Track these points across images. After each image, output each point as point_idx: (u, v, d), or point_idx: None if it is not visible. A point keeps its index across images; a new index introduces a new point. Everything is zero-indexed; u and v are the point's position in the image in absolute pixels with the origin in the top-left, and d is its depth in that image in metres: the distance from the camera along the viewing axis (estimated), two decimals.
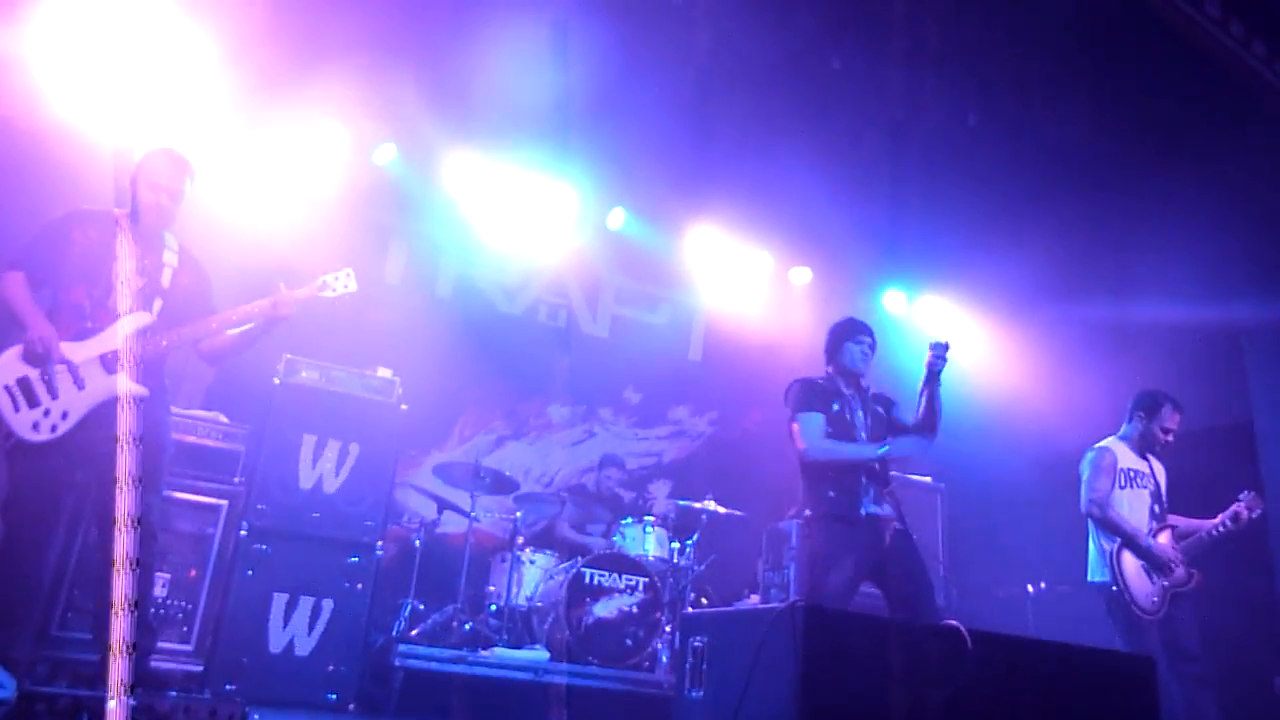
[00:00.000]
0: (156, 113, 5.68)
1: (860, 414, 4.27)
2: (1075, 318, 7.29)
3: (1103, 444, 4.90)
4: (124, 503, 2.06)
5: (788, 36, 5.69)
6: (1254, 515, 4.69)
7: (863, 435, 4.19)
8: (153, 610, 4.47)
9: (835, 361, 4.40)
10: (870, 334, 4.41)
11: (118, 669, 1.86)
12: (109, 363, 3.43)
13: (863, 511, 4.01)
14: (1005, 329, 7.96)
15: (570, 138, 6.42)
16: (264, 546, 4.80)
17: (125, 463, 2.18)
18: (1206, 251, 6.21)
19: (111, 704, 1.84)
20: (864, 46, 5.71)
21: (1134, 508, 4.72)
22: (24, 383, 3.30)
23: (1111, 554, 4.62)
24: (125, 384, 3.42)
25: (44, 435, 3.30)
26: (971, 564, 7.07)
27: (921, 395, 4.19)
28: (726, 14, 5.54)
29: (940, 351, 4.15)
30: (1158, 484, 4.85)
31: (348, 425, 5.17)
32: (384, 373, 5.45)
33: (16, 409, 3.27)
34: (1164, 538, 4.68)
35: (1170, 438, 4.84)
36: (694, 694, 2.99)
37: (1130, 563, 4.59)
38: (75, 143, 5.25)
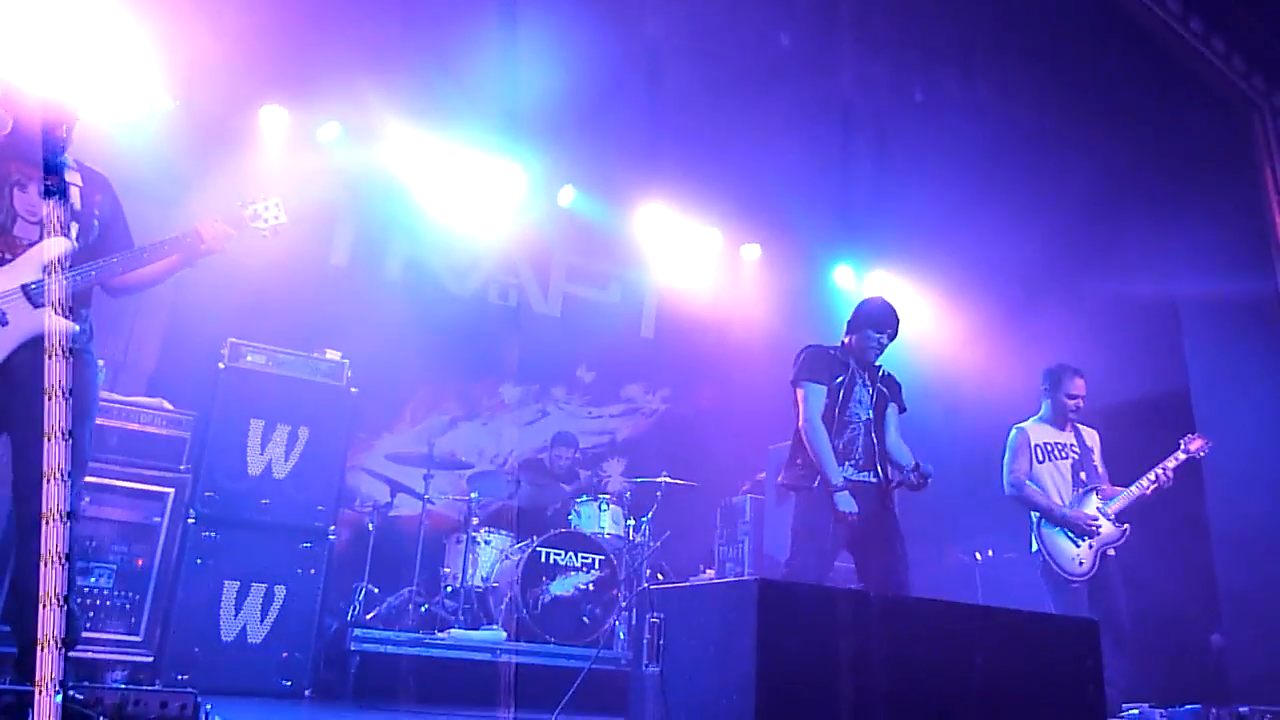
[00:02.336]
0: (91, 88, 5.51)
1: (862, 389, 4.32)
2: (1020, 291, 7.43)
3: (1018, 426, 5.13)
4: (53, 454, 1.93)
5: (738, 14, 5.68)
6: (1201, 455, 4.85)
7: (861, 413, 4.26)
8: (93, 601, 4.40)
9: (854, 338, 4.42)
10: (896, 325, 4.42)
11: (48, 663, 1.80)
12: (33, 295, 2.98)
13: (840, 480, 4.05)
14: (952, 303, 8.09)
15: (518, 115, 6.36)
16: (213, 534, 4.72)
17: (56, 414, 1.95)
18: (1147, 225, 6.37)
19: (42, 699, 1.77)
20: (814, 24, 5.73)
21: (1056, 479, 4.95)
22: None
23: (1034, 526, 4.92)
24: (57, 321, 2.94)
25: None
26: (921, 533, 7.19)
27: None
28: None
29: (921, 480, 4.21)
30: (1086, 450, 5.02)
31: (296, 409, 5.09)
32: (333, 355, 5.38)
33: None
34: (1091, 501, 4.87)
35: (1077, 403, 5.03)
36: (651, 669, 3.02)
37: (1051, 531, 4.84)
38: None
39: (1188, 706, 4.79)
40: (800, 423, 4.23)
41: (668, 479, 6.18)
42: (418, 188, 7.05)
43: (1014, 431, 5.11)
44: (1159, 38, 5.39)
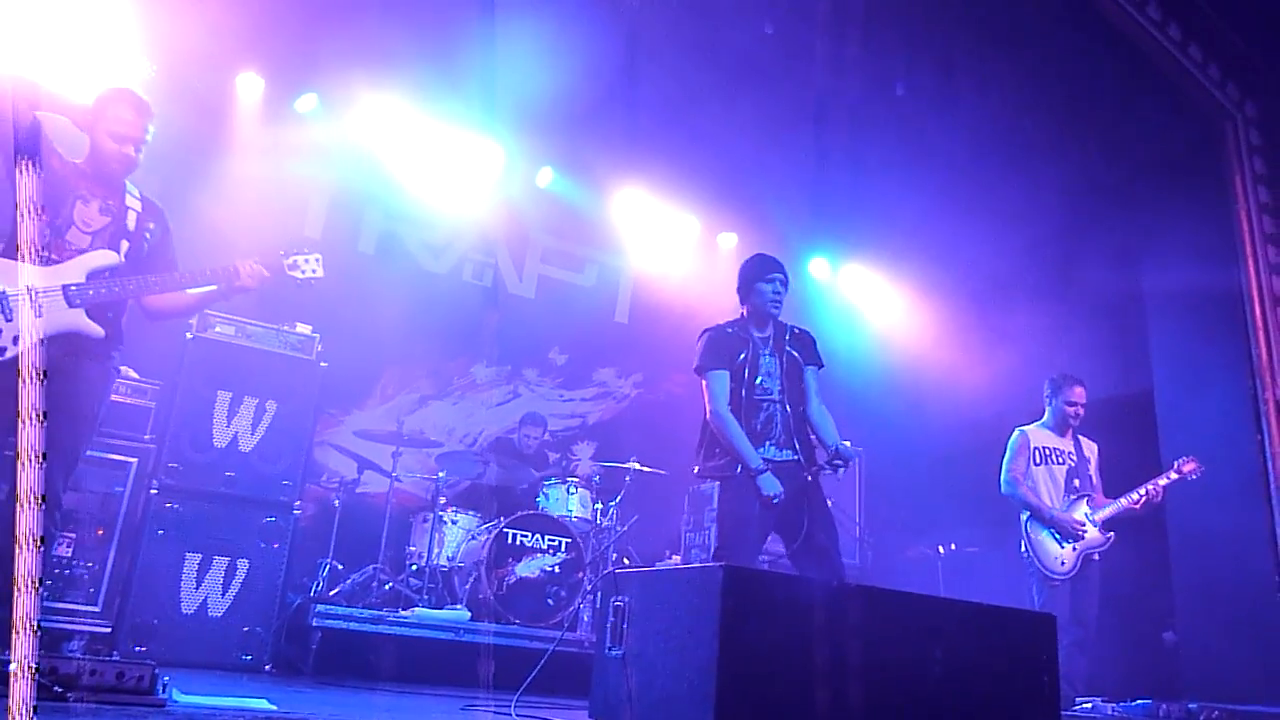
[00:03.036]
0: (68, 60, 5.41)
1: (769, 359, 4.15)
2: (992, 288, 7.51)
3: (1021, 428, 5.31)
4: (28, 436, 1.94)
5: (721, 3, 5.67)
6: (1193, 478, 5.01)
7: (773, 387, 4.09)
8: (52, 570, 4.35)
9: (748, 302, 4.28)
10: (781, 270, 4.29)
11: (22, 646, 1.79)
12: (70, 295, 3.24)
13: (759, 463, 3.91)
14: (925, 298, 8.16)
15: (499, 95, 6.31)
16: (176, 505, 4.68)
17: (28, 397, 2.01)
18: (1119, 225, 6.44)
19: (17, 686, 1.77)
20: (796, 16, 5.73)
21: (1048, 483, 5.15)
22: None
23: (1024, 525, 5.10)
24: (83, 320, 3.26)
25: None
26: (886, 525, 7.28)
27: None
28: None
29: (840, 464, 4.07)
30: (1082, 460, 5.20)
31: (264, 382, 5.05)
32: (303, 329, 5.32)
33: None
34: (1080, 507, 5.07)
35: (1077, 410, 5.21)
36: (614, 652, 3.03)
37: (1037, 530, 5.04)
38: None
39: (1139, 701, 4.91)
40: (707, 414, 4.08)
41: (637, 465, 6.19)
42: (394, 162, 6.99)
43: (1016, 433, 5.29)
44: (1138, 43, 5.44)
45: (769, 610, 2.64)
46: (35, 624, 1.84)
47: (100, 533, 4.52)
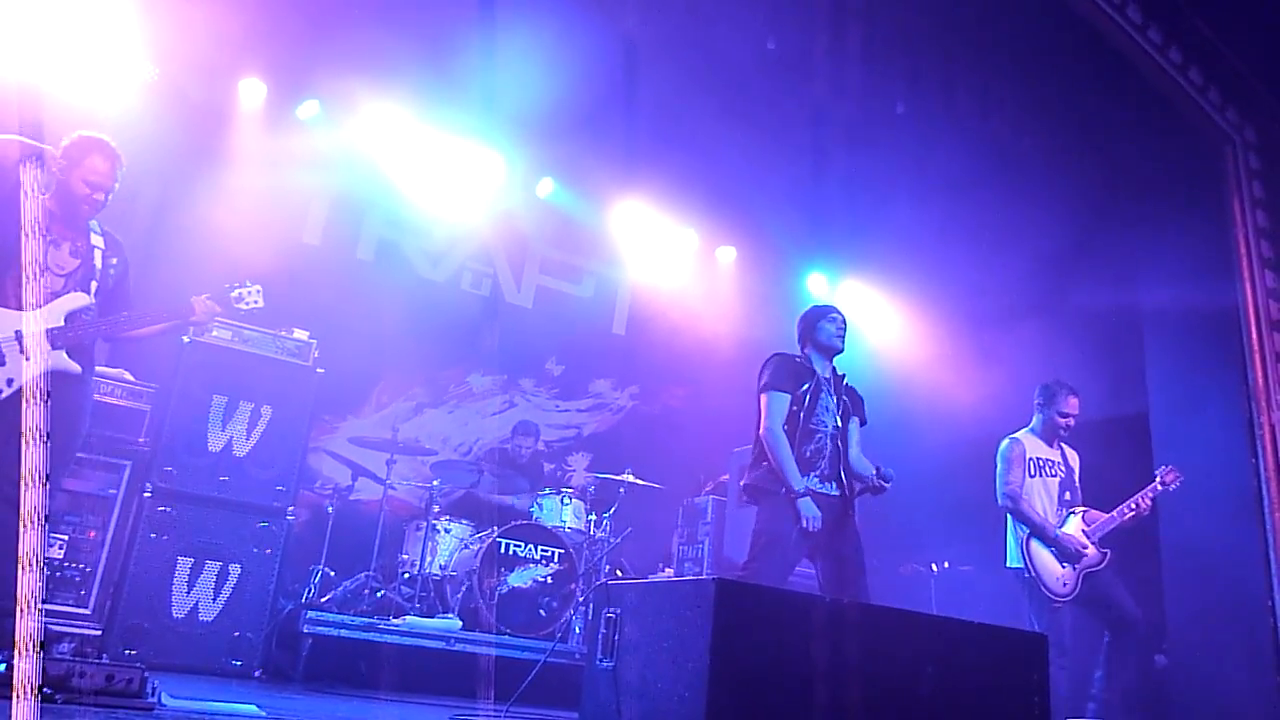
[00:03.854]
0: (71, 61, 5.44)
1: (829, 397, 4.32)
2: (988, 307, 7.52)
3: (1013, 435, 5.08)
4: (32, 457, 1.96)
5: (723, 18, 5.70)
6: (1172, 488, 4.88)
7: (829, 421, 4.26)
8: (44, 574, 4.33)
9: (812, 340, 4.44)
10: (840, 312, 4.50)
11: (25, 667, 1.81)
12: (53, 337, 3.56)
13: (802, 487, 4.06)
14: (921, 316, 8.17)
15: (501, 105, 6.34)
16: (169, 509, 4.66)
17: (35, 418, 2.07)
18: (1117, 246, 6.46)
19: (19, 706, 1.78)
20: (798, 31, 5.76)
21: (1044, 496, 4.93)
22: None
23: (1023, 542, 4.85)
24: (65, 360, 3.59)
25: None
26: (879, 543, 7.26)
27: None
28: None
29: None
30: (1070, 470, 5.05)
31: (260, 387, 5.04)
32: (300, 334, 5.32)
33: None
34: (1073, 523, 4.89)
35: (1068, 421, 5.02)
36: (605, 664, 3.02)
37: (1040, 550, 4.80)
38: None
39: None
40: (761, 430, 4.21)
41: (631, 477, 6.19)
42: (395, 170, 7.00)
43: (1007, 442, 5.03)
44: (1138, 66, 5.47)
45: (761, 624, 2.64)
46: (39, 643, 1.86)
47: (92, 535, 4.51)
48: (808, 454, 4.18)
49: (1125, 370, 6.60)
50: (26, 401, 2.01)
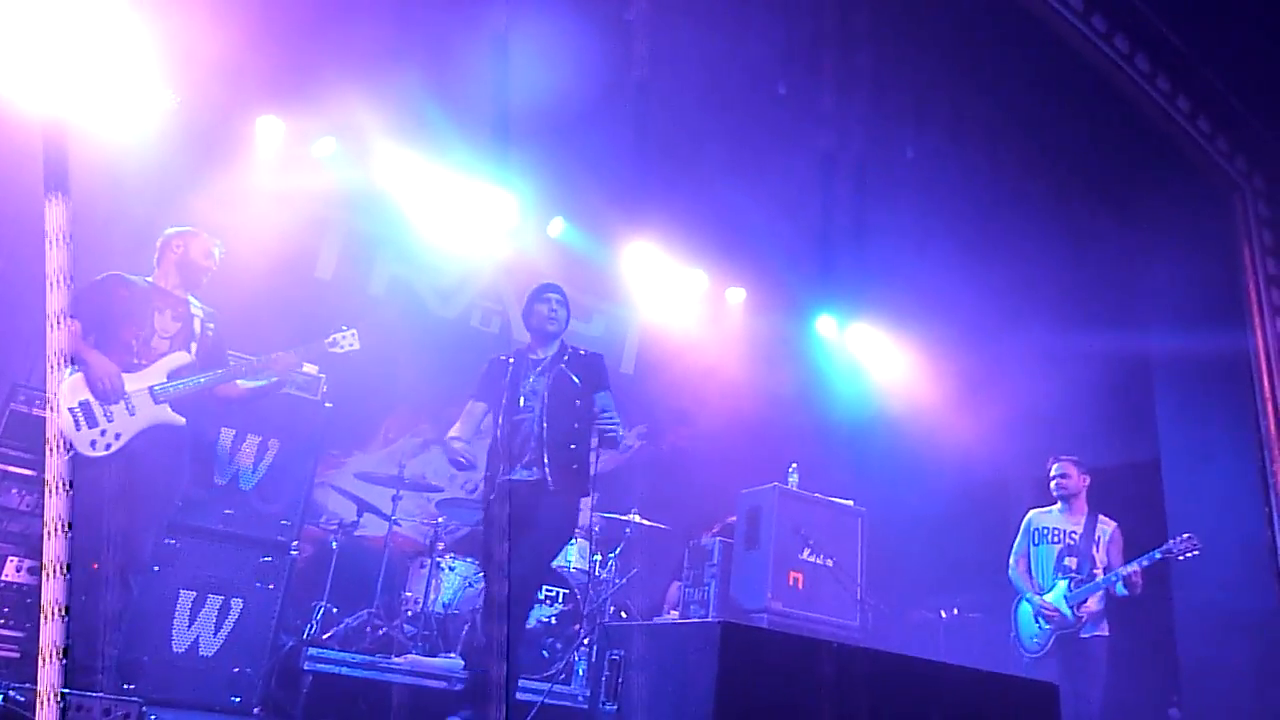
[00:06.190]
0: (92, 91, 5.52)
1: (535, 379, 4.28)
2: (1000, 350, 7.51)
3: (1030, 510, 5.53)
4: (52, 506, 2.00)
5: (733, 61, 5.77)
6: (1182, 558, 4.92)
7: (536, 404, 4.22)
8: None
9: (528, 326, 4.48)
10: (559, 291, 4.45)
11: (47, 675, 1.81)
12: (155, 393, 4.01)
13: (500, 479, 4.08)
14: (931, 359, 8.16)
15: (513, 145, 6.40)
16: (172, 541, 4.64)
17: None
18: (1126, 288, 6.45)
19: (41, 712, 1.79)
20: (807, 76, 5.82)
21: (1037, 561, 5.35)
22: (86, 405, 3.86)
23: (1015, 602, 5.37)
24: (168, 413, 4.03)
25: (99, 452, 3.85)
26: (888, 588, 7.19)
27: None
28: (674, 34, 5.59)
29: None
30: (1086, 539, 5.22)
31: (268, 420, 5.03)
32: (310, 369, 5.32)
33: (78, 428, 3.83)
34: (1059, 588, 5.13)
35: (1056, 483, 5.37)
36: (609, 707, 2.98)
37: (1024, 610, 5.28)
38: (2, 115, 5.08)
39: None
40: None
41: (638, 518, 6.15)
42: (408, 207, 7.06)
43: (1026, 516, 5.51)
44: (1147, 113, 5.51)
45: (767, 669, 2.60)
46: (60, 693, 1.89)
47: (95, 566, 4.48)
48: (516, 447, 4.17)
49: (1135, 415, 6.56)
50: (49, 484, 2.03)
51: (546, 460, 4.08)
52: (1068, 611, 5.00)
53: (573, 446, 4.17)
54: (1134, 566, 4.94)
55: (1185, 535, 4.92)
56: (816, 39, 5.56)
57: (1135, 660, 5.54)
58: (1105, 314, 6.75)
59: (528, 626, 5.39)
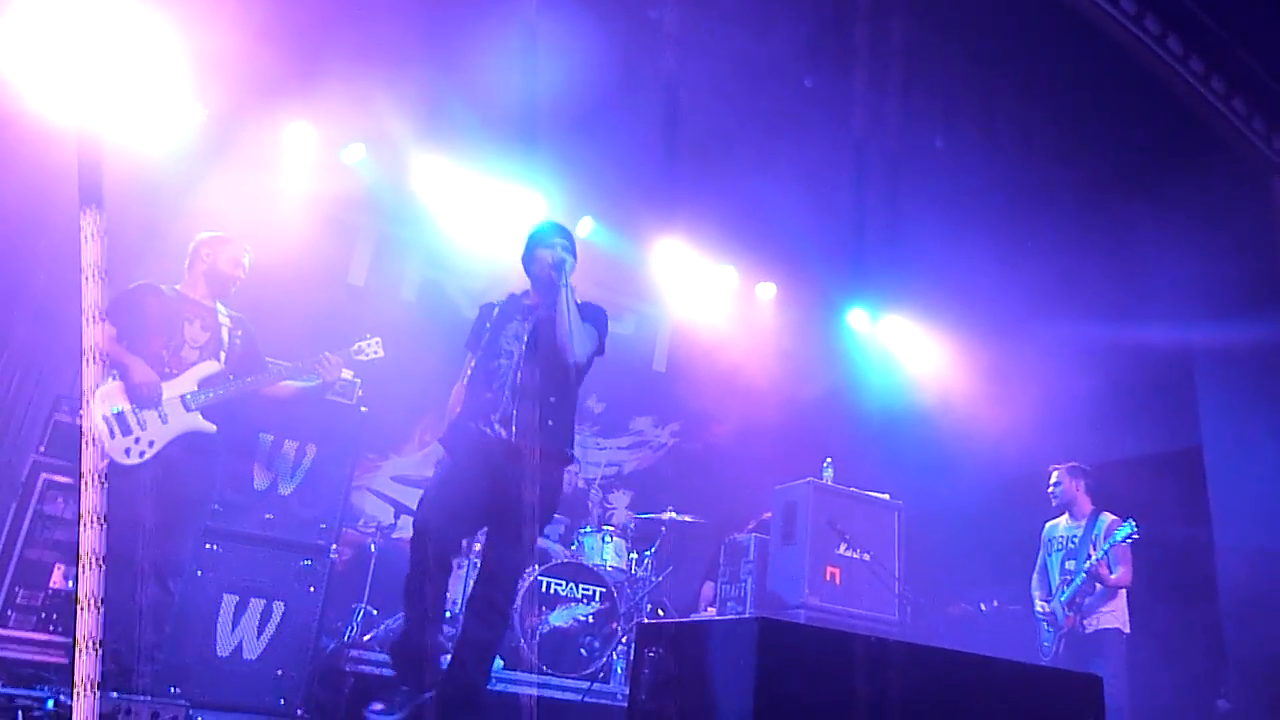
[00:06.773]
0: (123, 103, 5.61)
1: (518, 324, 3.92)
2: (1035, 341, 7.41)
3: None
4: (89, 499, 2.05)
5: (761, 55, 5.74)
6: (1132, 539, 5.08)
7: (516, 349, 3.87)
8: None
9: (528, 273, 4.09)
10: (567, 236, 4.04)
11: (83, 665, 1.85)
12: (187, 402, 4.10)
13: (480, 430, 3.74)
14: (966, 351, 8.07)
15: (540, 146, 6.42)
16: (215, 547, 4.71)
17: None
18: (1163, 276, 6.35)
19: (79, 704, 1.83)
20: (835, 68, 5.78)
21: (1044, 571, 5.58)
22: (120, 415, 3.94)
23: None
24: (200, 421, 4.13)
25: (133, 460, 3.92)
26: (927, 581, 7.13)
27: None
28: (700, 30, 5.58)
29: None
30: (1086, 540, 5.33)
31: (305, 426, 5.10)
32: (345, 374, 5.38)
33: (112, 436, 3.90)
34: (1057, 593, 5.36)
35: (1051, 493, 5.54)
36: (647, 704, 2.98)
37: (1039, 615, 5.53)
38: (39, 129, 5.17)
39: None
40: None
41: (673, 514, 6.15)
42: (438, 212, 7.11)
43: None
44: (1180, 96, 5.40)
45: (806, 665, 2.59)
46: (96, 683, 1.93)
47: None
48: (489, 399, 3.79)
49: (1176, 404, 6.46)
50: (86, 477, 2.09)
51: (515, 414, 3.69)
52: (1059, 612, 5.22)
53: (552, 400, 3.74)
54: (1098, 555, 5.10)
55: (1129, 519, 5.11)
56: (843, 31, 5.52)
57: (1182, 651, 5.46)
58: (1140, 303, 6.64)
59: (564, 626, 5.41)
